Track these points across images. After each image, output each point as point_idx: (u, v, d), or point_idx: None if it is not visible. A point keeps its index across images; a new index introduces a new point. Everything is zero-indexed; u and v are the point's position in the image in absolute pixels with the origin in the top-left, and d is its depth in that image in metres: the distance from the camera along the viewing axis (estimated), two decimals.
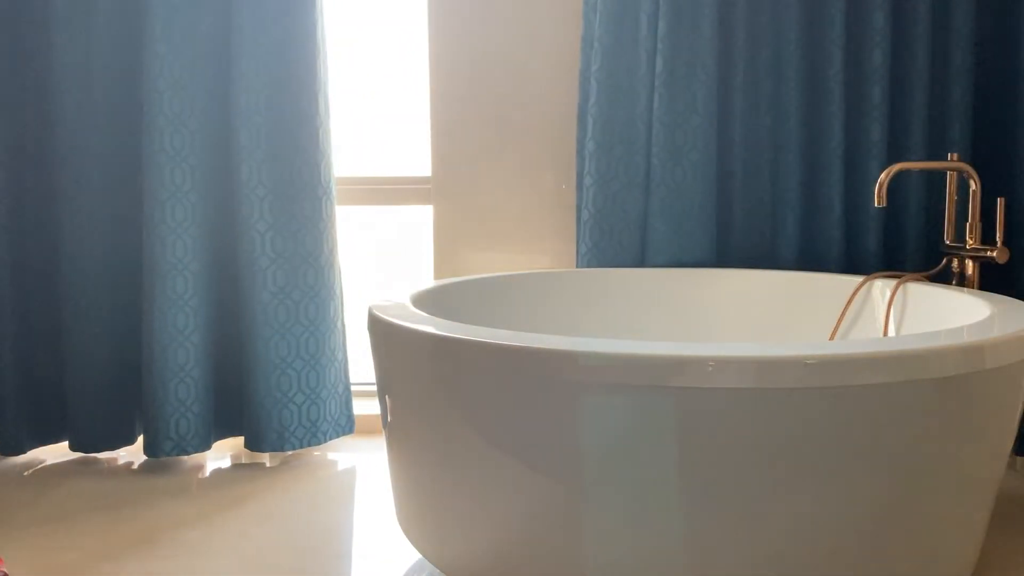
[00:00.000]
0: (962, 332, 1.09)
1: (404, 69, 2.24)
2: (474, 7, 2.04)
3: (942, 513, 1.09)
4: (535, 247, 2.08)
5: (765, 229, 1.89)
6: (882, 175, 1.60)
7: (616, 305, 1.86)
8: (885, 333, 1.61)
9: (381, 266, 2.34)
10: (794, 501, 1.01)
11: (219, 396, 1.93)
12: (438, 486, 1.21)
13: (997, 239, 1.66)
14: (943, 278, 1.75)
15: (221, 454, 1.98)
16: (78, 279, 1.84)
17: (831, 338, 1.69)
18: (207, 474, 1.86)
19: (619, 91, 1.87)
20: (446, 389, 1.14)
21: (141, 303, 1.85)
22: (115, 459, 1.95)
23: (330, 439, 1.94)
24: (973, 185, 1.66)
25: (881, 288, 1.67)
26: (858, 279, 1.70)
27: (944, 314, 1.51)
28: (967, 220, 1.68)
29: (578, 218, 1.94)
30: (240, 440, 2.01)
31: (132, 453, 1.99)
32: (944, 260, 1.72)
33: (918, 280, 1.63)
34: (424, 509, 1.26)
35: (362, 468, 1.89)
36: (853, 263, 1.87)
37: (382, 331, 1.26)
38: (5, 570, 1.31)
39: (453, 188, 2.08)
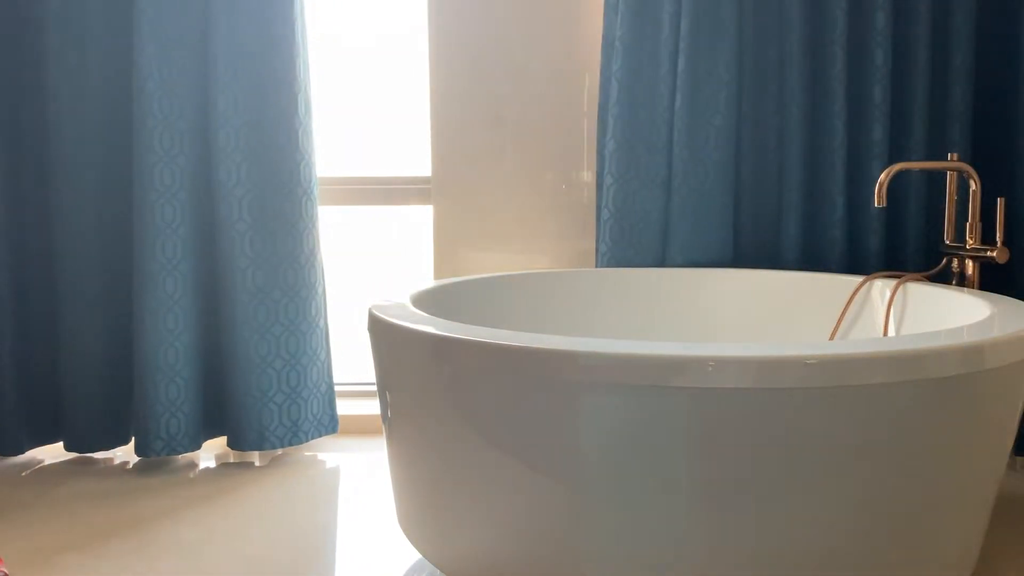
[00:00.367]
0: (962, 332, 1.09)
1: (404, 69, 2.24)
2: (474, 7, 2.04)
3: (942, 513, 1.09)
4: (535, 247, 2.08)
5: (769, 229, 1.89)
6: (882, 175, 1.60)
7: (616, 305, 1.86)
8: (885, 333, 1.61)
9: (381, 266, 2.34)
10: (794, 501, 1.01)
11: (208, 396, 1.93)
12: (438, 486, 1.21)
13: (997, 239, 1.66)
14: (943, 278, 1.75)
15: (211, 453, 1.98)
16: (73, 280, 1.84)
17: (831, 338, 1.69)
18: (197, 473, 1.86)
19: (640, 90, 1.87)
20: (446, 389, 1.14)
21: (132, 303, 1.85)
22: (111, 459, 1.95)
23: (312, 438, 1.94)
24: (973, 185, 1.66)
25: (881, 288, 1.67)
26: (858, 279, 1.70)
27: (944, 314, 1.51)
28: (967, 220, 1.68)
29: (598, 217, 1.94)
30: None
31: (128, 452, 2.00)
32: (944, 260, 1.72)
33: (918, 280, 1.63)
34: (424, 509, 1.26)
35: (349, 468, 1.89)
36: (855, 263, 1.87)
37: (382, 331, 1.26)
38: (5, 570, 1.31)
39: (453, 188, 2.08)
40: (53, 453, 1.99)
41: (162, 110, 1.78)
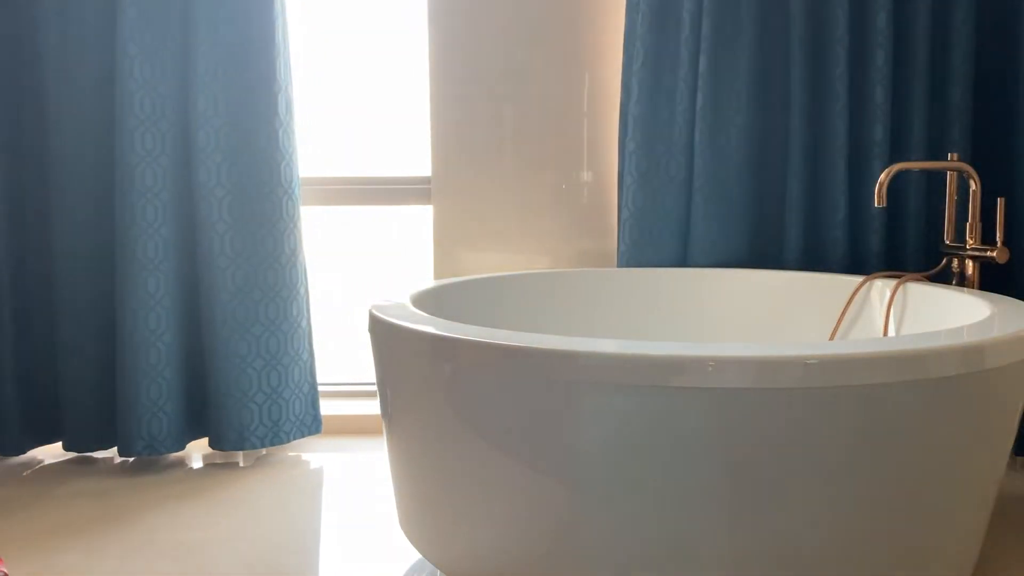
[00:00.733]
0: (962, 332, 1.09)
1: (404, 69, 2.24)
2: (474, 7, 2.04)
3: (942, 513, 1.09)
4: (535, 247, 2.08)
5: (773, 230, 1.89)
6: (882, 175, 1.60)
7: (616, 305, 1.86)
8: (885, 333, 1.61)
9: (381, 266, 2.34)
10: (794, 501, 1.01)
11: (193, 396, 1.92)
12: (438, 486, 1.21)
13: (997, 239, 1.66)
14: (943, 278, 1.75)
15: (198, 453, 1.99)
16: (69, 282, 1.85)
17: (831, 338, 1.69)
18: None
19: (660, 90, 1.87)
20: (446, 389, 1.14)
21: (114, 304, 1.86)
22: (111, 458, 1.95)
23: (295, 439, 1.93)
24: (973, 185, 1.66)
25: (881, 288, 1.67)
26: (858, 279, 1.70)
27: (944, 314, 1.51)
28: (967, 220, 1.68)
29: (619, 217, 1.94)
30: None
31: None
32: (944, 260, 1.72)
33: (918, 280, 1.63)
34: (424, 509, 1.26)
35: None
36: (857, 263, 1.87)
37: (382, 331, 1.26)
38: (5, 570, 1.31)
39: (453, 188, 2.08)
40: (52, 453, 1.99)
41: (143, 110, 1.78)
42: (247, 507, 1.66)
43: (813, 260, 1.88)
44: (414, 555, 1.45)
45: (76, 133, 1.82)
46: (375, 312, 1.30)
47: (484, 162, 2.07)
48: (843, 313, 1.67)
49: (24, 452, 1.91)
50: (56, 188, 1.83)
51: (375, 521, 1.59)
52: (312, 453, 1.99)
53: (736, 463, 1.00)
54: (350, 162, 2.26)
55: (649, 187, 1.88)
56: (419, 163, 2.23)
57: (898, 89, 1.85)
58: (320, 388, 2.27)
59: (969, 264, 1.68)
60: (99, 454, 1.98)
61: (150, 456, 1.87)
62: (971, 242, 1.68)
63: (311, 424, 1.97)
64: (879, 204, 1.59)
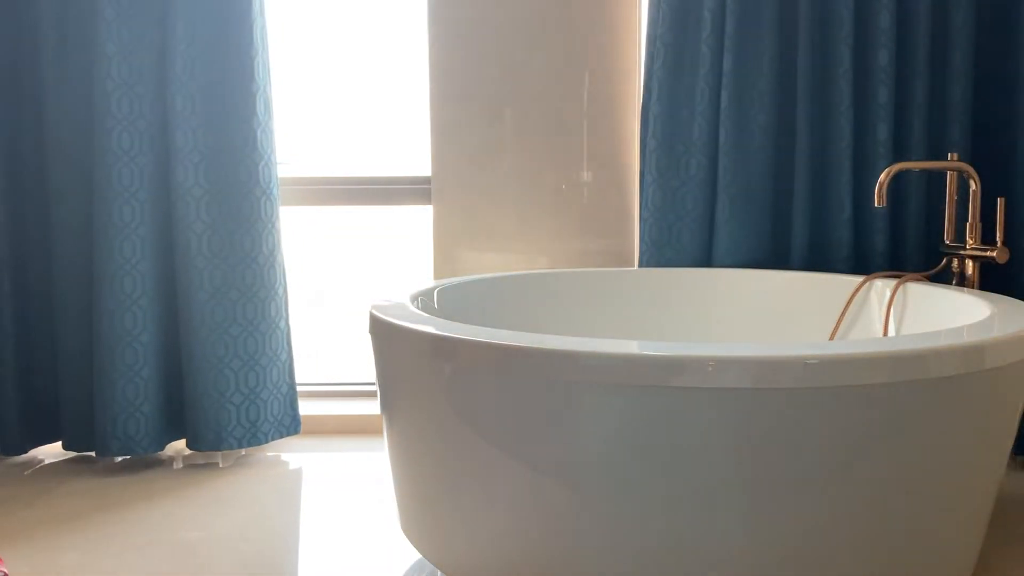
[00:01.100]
0: (962, 332, 1.09)
1: (404, 69, 2.24)
2: (474, 6, 2.04)
3: (942, 513, 1.09)
4: (535, 247, 2.08)
5: (783, 229, 1.89)
6: (882, 175, 1.60)
7: (616, 305, 1.86)
8: (885, 333, 1.61)
9: (381, 266, 2.34)
10: (794, 501, 1.01)
11: (171, 396, 1.92)
12: (438, 486, 1.21)
13: (997, 239, 1.66)
14: (943, 278, 1.75)
15: (180, 453, 1.99)
16: (69, 283, 1.85)
17: (831, 338, 1.69)
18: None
19: (681, 89, 1.87)
20: (446, 389, 1.14)
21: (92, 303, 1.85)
22: (111, 457, 1.95)
23: (272, 439, 1.93)
24: (973, 185, 1.66)
25: (881, 288, 1.67)
26: (858, 279, 1.70)
27: (944, 314, 1.51)
28: (967, 220, 1.68)
29: (640, 217, 1.93)
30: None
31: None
32: (944, 260, 1.72)
33: (918, 280, 1.63)
34: (424, 509, 1.26)
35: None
36: (862, 263, 1.86)
37: (382, 331, 1.26)
38: (5, 570, 1.31)
39: (453, 188, 2.08)
40: (51, 453, 1.99)
41: (121, 110, 1.78)
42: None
43: (818, 260, 1.87)
44: (414, 555, 1.45)
45: (73, 134, 1.82)
46: (375, 312, 1.30)
47: (484, 162, 2.07)
48: (843, 313, 1.67)
49: (25, 452, 1.91)
50: (55, 190, 1.83)
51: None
52: (290, 453, 1.99)
53: (736, 463, 1.00)
54: (350, 162, 2.26)
55: (669, 187, 1.88)
56: (419, 163, 2.23)
57: (899, 89, 1.85)
58: (300, 388, 2.26)
59: (969, 264, 1.68)
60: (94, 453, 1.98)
61: (127, 456, 1.86)
62: (971, 242, 1.68)
63: (290, 425, 1.96)
64: (879, 204, 1.59)
